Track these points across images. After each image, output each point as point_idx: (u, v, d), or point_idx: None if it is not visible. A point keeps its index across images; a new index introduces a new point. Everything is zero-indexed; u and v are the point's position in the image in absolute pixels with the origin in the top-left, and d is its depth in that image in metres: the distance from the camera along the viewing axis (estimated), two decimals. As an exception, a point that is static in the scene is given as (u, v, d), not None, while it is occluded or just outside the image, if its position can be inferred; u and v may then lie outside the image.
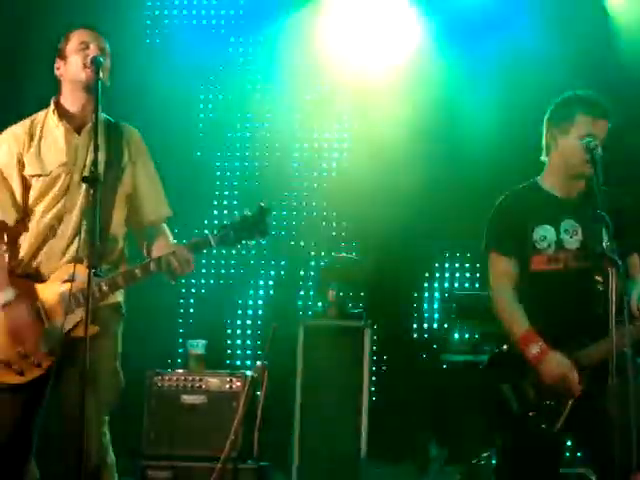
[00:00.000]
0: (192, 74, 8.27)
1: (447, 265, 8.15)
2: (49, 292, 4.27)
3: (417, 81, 7.98)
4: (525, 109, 4.82)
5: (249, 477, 6.17)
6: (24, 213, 4.38)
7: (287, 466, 6.65)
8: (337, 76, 8.10)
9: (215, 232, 4.29)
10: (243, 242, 4.30)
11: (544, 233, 4.47)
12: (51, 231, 4.35)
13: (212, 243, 4.29)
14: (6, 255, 4.35)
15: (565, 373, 4.29)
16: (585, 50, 7.55)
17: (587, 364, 4.29)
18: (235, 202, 8.20)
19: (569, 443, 5.05)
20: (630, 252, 4.44)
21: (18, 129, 4.46)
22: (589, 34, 7.63)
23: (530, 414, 4.37)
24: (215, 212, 8.18)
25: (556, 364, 4.31)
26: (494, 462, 6.22)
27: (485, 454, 6.39)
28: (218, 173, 8.33)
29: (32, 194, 4.38)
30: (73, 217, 4.34)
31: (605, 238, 4.02)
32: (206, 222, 8.00)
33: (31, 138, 4.43)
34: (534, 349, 4.34)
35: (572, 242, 4.46)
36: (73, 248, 4.29)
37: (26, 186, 4.39)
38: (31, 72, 4.87)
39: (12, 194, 4.38)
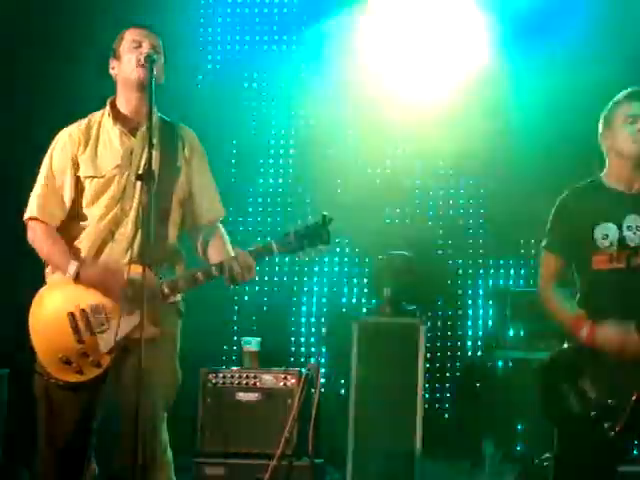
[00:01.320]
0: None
1: (502, 262, 8.11)
2: (109, 294, 4.32)
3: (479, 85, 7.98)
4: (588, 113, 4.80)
5: (304, 474, 6.17)
6: (81, 216, 4.42)
7: (342, 463, 6.65)
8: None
9: (278, 239, 4.28)
10: (305, 250, 4.29)
11: (606, 231, 4.43)
12: (110, 235, 4.37)
13: (275, 250, 4.28)
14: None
15: (622, 337, 4.26)
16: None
17: None
18: (289, 208, 8.20)
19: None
20: None
21: (74, 129, 4.49)
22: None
23: (592, 414, 4.33)
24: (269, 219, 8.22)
25: (610, 333, 4.29)
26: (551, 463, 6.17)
27: (546, 455, 6.34)
28: (271, 180, 8.36)
29: (86, 196, 4.41)
30: (130, 220, 4.36)
31: None
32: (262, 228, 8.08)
33: (87, 139, 4.45)
34: (584, 331, 4.34)
35: (636, 239, 4.42)
36: (132, 250, 4.31)
37: (79, 187, 4.42)
38: (84, 73, 4.93)
39: (60, 195, 4.41)
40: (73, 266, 4.29)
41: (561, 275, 4.57)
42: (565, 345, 4.55)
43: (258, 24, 8.46)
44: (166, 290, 4.26)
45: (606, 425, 4.28)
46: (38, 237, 4.42)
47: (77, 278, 4.28)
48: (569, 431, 4.44)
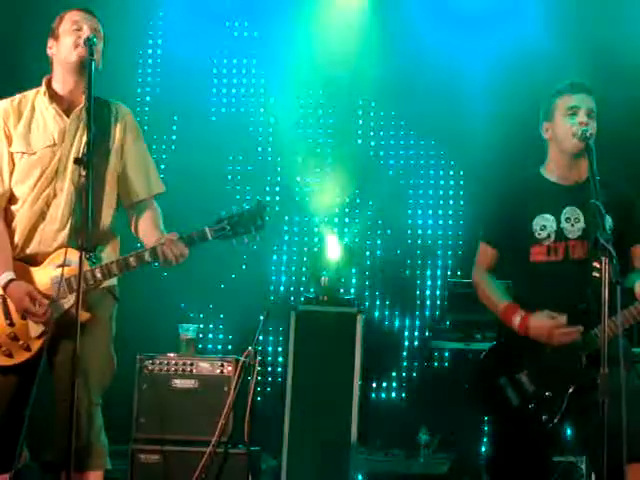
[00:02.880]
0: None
1: (440, 253, 8.16)
2: (43, 276, 4.27)
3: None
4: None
5: (239, 462, 6.15)
6: (12, 196, 4.36)
7: (277, 451, 6.65)
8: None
9: (212, 225, 4.26)
10: (239, 237, 4.27)
11: (544, 223, 4.47)
12: (42, 216, 4.32)
13: (209, 236, 4.26)
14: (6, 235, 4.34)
15: (550, 325, 4.32)
16: (589, 47, 7.56)
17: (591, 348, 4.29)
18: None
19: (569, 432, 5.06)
20: (634, 243, 4.46)
21: (6, 105, 4.43)
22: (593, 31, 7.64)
23: (530, 406, 4.37)
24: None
25: (539, 323, 4.34)
26: (484, 452, 6.22)
27: (478, 443, 6.40)
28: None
29: (15, 173, 4.35)
30: (62, 201, 4.31)
31: (600, 226, 4.00)
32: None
33: (19, 116, 4.39)
34: (516, 319, 4.39)
35: (573, 230, 4.46)
36: (65, 232, 4.27)
37: (13, 163, 4.36)
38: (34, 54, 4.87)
39: None
40: (4, 279, 4.24)
41: (494, 265, 4.62)
42: (502, 338, 4.59)
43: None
44: (98, 275, 4.23)
45: (544, 417, 4.32)
46: None
47: (4, 289, 4.24)
48: (507, 423, 4.47)
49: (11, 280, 4.22)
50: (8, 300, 4.25)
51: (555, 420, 4.30)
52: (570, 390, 4.29)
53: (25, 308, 4.19)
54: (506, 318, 4.45)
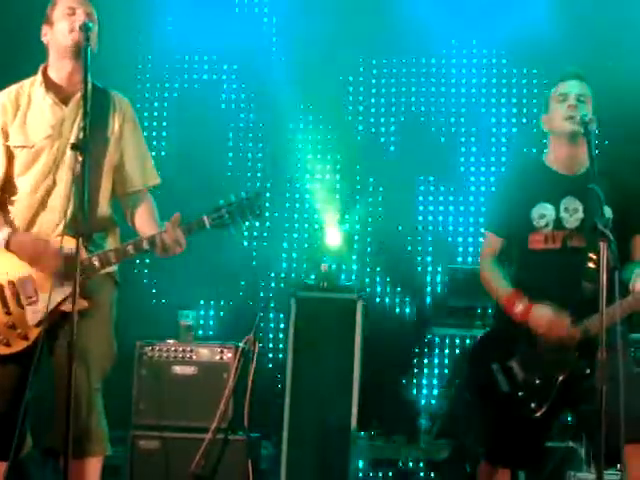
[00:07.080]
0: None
1: (441, 239, 8.15)
2: (41, 265, 4.26)
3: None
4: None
5: (238, 448, 6.16)
6: (10, 186, 4.34)
7: (277, 438, 6.66)
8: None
9: (210, 213, 4.25)
10: (237, 225, 4.27)
11: (543, 211, 4.47)
12: (41, 205, 4.31)
13: (207, 225, 4.25)
14: None
15: (552, 319, 4.31)
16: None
17: (582, 339, 4.28)
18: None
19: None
20: (635, 233, 4.45)
21: (3, 97, 4.39)
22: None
23: (519, 394, 4.38)
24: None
25: (541, 313, 4.33)
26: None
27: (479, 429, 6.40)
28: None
29: (16, 166, 4.34)
30: (61, 190, 4.29)
31: (599, 211, 3.98)
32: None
33: (17, 108, 4.36)
34: (519, 307, 4.38)
35: (572, 221, 4.45)
36: (65, 221, 4.26)
37: (10, 157, 4.34)
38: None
39: None
40: (3, 233, 4.23)
41: (500, 252, 4.61)
42: (497, 325, 4.59)
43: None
44: (96, 263, 4.22)
45: (532, 405, 4.34)
46: None
47: (7, 246, 4.23)
48: (497, 408, 4.48)
49: (11, 234, 4.22)
50: (5, 288, 4.23)
51: (544, 408, 4.32)
52: (560, 379, 4.31)
53: (37, 254, 4.17)
54: (508, 306, 4.44)
